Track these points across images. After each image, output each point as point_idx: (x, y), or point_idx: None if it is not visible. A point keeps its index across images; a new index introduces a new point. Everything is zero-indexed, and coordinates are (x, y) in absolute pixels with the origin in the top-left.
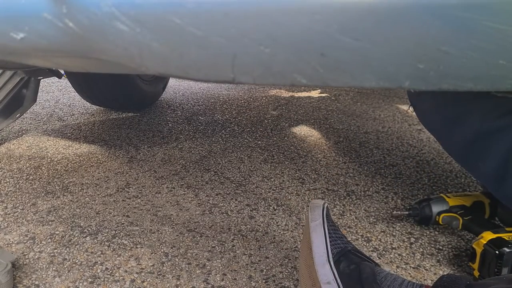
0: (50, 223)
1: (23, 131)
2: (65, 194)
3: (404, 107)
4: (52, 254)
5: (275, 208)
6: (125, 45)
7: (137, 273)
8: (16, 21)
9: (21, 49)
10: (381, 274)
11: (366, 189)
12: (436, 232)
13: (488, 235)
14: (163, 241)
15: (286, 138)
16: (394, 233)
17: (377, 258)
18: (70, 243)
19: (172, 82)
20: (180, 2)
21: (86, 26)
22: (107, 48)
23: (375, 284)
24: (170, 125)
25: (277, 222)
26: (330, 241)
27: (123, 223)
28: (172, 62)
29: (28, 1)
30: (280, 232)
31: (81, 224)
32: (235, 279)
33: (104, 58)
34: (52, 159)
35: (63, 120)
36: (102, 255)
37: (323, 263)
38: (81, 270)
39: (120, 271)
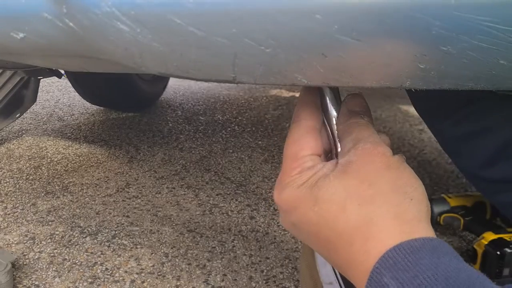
0: (50, 223)
1: (23, 131)
2: (65, 194)
3: (405, 107)
4: (52, 255)
5: (276, 208)
6: (126, 45)
7: (137, 273)
8: (16, 21)
9: (21, 49)
10: None
11: None
12: (437, 233)
13: (489, 236)
14: (163, 241)
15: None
16: None
17: None
18: (70, 243)
19: (172, 82)
20: (180, 2)
21: (86, 26)
22: (108, 48)
23: None
24: (170, 125)
25: (277, 223)
26: None
27: (123, 224)
28: (173, 62)
29: (28, 1)
30: (280, 233)
31: (81, 224)
32: (236, 279)
33: (104, 58)
34: (52, 159)
35: (63, 120)
36: (102, 256)
37: (325, 263)
38: (81, 270)
39: (120, 271)
